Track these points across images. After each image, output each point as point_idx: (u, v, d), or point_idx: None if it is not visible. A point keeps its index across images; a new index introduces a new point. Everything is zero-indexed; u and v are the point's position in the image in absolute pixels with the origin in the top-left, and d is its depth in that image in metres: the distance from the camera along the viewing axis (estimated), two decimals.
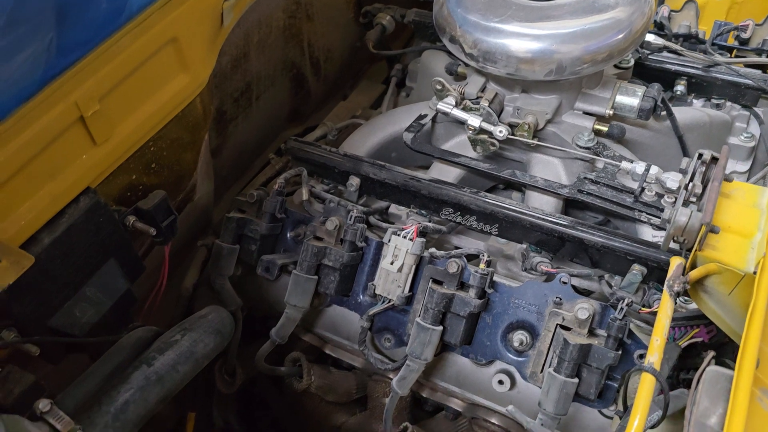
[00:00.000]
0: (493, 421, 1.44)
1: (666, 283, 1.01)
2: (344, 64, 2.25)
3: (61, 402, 1.02)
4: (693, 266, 1.03)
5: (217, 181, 1.83)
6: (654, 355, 0.93)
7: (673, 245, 1.11)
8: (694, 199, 1.05)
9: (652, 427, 0.99)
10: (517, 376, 1.35)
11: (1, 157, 1.06)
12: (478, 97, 1.45)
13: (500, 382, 1.35)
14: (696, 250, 1.01)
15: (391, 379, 1.52)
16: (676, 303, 0.99)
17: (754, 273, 0.97)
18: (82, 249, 1.23)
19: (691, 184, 1.06)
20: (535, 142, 1.42)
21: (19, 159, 1.09)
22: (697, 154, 1.09)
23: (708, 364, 0.93)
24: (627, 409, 1.13)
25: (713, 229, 0.99)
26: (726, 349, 1.12)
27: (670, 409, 1.00)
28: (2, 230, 1.09)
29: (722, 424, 0.86)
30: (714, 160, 1.08)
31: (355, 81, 2.39)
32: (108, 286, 1.30)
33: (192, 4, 1.31)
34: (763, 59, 1.73)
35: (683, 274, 1.01)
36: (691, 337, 1.12)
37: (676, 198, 1.26)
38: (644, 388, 0.92)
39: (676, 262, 1.03)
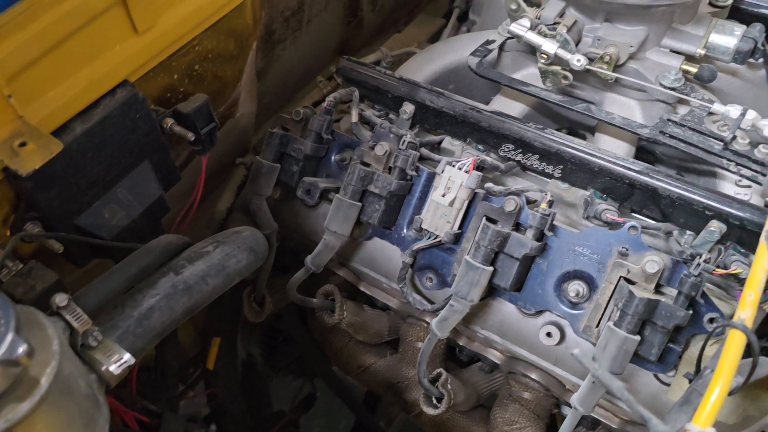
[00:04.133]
0: (532, 376, 1.34)
1: (764, 233, 0.89)
2: None
3: (83, 297, 0.95)
4: None
5: (259, 108, 1.73)
6: (746, 311, 0.82)
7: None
8: None
9: (730, 393, 0.88)
10: (568, 329, 1.24)
11: (35, 29, 0.97)
12: (555, 23, 1.31)
13: (548, 334, 1.25)
14: None
15: (428, 323, 1.43)
16: None
17: None
18: (115, 145, 1.15)
19: None
20: (616, 75, 1.28)
21: (54, 34, 1.00)
22: None
23: None
24: (699, 372, 1.02)
25: None
26: None
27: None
28: (32, 113, 1.01)
29: None
30: None
31: (411, 15, 2.26)
32: (140, 189, 1.21)
33: None
34: None
35: None
36: None
37: None
38: (732, 347, 0.80)
39: None
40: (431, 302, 1.35)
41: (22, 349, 0.72)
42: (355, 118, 1.40)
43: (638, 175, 1.22)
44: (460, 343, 1.41)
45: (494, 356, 1.39)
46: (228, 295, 1.22)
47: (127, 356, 0.92)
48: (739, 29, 1.30)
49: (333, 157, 1.41)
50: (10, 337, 0.72)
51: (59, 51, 1.02)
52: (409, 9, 2.27)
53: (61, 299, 0.87)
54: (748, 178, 1.17)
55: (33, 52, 0.99)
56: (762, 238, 0.89)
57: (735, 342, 0.81)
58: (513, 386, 1.36)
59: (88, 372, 0.91)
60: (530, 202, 1.26)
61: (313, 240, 1.45)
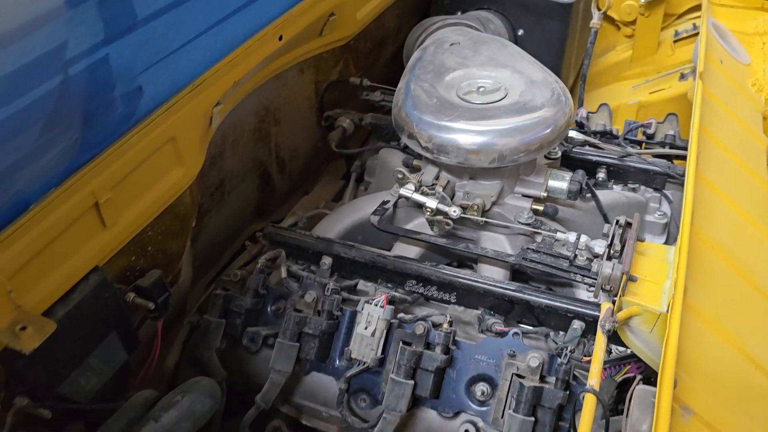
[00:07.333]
0: None
1: (599, 323, 1.23)
2: (307, 162, 2.49)
3: None
4: (619, 309, 1.26)
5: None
6: (593, 380, 1.14)
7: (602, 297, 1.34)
8: (616, 256, 1.29)
9: None
10: (481, 424, 1.51)
11: (30, 236, 1.22)
12: (433, 184, 1.70)
13: (467, 431, 1.51)
14: (620, 296, 1.24)
15: None
16: (608, 338, 1.21)
17: (667, 311, 1.20)
18: (89, 322, 1.37)
19: (612, 243, 1.31)
20: (484, 219, 1.66)
21: (44, 239, 1.25)
22: (615, 221, 1.35)
23: (637, 384, 1.14)
24: None
25: (632, 278, 1.23)
26: (653, 382, 1.34)
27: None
28: (26, 303, 1.23)
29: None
30: (628, 224, 1.34)
31: (316, 178, 2.64)
32: (110, 357, 1.42)
33: (189, 109, 1.53)
34: (666, 150, 2.07)
35: (612, 316, 1.23)
36: (625, 373, 1.33)
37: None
38: (587, 408, 1.11)
39: (605, 306, 1.26)
40: (366, 421, 1.59)
41: None
42: (284, 274, 1.69)
43: (514, 293, 1.57)
44: None
45: None
46: None
47: None
48: (567, 175, 1.75)
49: (269, 308, 1.68)
50: None
51: (47, 251, 1.26)
52: (314, 171, 2.65)
53: None
54: (590, 286, 1.54)
55: (27, 255, 1.23)
56: (598, 327, 1.23)
57: (589, 403, 1.12)
58: None
59: None
60: (436, 325, 1.57)
61: (256, 382, 1.67)
